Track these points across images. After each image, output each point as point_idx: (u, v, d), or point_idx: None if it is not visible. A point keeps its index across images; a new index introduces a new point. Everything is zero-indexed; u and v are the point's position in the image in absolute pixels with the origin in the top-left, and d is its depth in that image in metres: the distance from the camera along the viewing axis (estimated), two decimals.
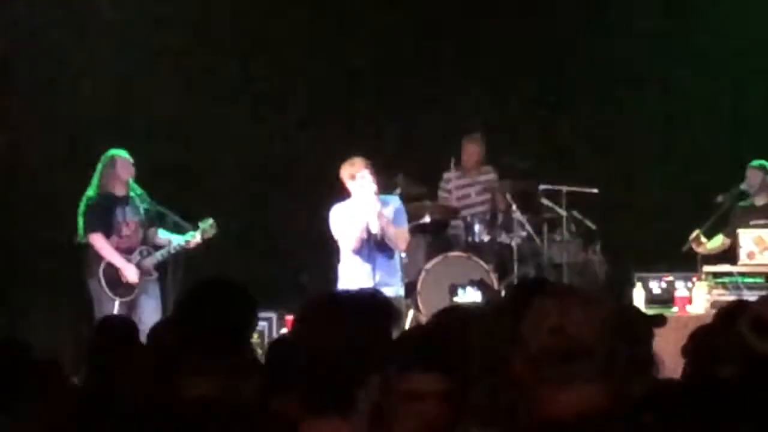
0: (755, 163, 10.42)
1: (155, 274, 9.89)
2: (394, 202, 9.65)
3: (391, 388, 2.86)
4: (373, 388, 2.70)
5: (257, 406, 3.14)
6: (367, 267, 9.37)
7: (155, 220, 9.98)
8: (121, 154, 9.86)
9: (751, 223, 10.20)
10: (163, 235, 9.99)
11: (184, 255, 9.90)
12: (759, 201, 10.36)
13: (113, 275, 9.77)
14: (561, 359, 2.72)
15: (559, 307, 2.79)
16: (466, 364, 3.12)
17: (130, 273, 9.75)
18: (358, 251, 9.39)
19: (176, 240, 9.88)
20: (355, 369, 2.70)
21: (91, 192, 9.82)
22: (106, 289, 9.73)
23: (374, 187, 9.28)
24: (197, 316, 3.52)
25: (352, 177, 9.30)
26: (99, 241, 9.76)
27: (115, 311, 9.52)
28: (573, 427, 2.68)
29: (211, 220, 9.88)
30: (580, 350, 2.73)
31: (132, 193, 9.87)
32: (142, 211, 9.91)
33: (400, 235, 9.50)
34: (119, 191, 9.84)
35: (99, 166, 9.83)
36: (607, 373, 2.73)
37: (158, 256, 9.87)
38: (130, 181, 9.85)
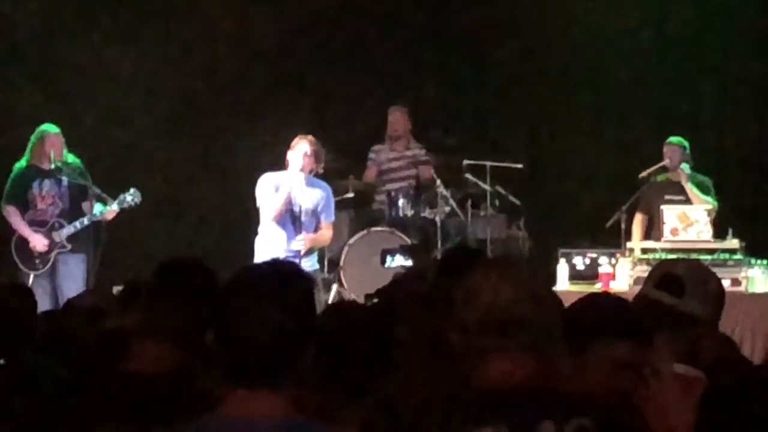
0: (673, 139, 10.48)
1: (68, 246, 9.75)
2: (325, 190, 9.53)
3: None
4: (304, 357, 2.71)
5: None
6: (284, 239, 9.29)
7: (87, 193, 9.84)
8: (51, 129, 9.86)
9: (666, 197, 10.25)
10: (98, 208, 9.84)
11: (105, 228, 9.76)
12: (675, 176, 10.40)
13: (24, 248, 9.76)
14: (495, 330, 2.76)
15: (492, 278, 2.83)
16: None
17: (37, 242, 9.70)
18: (280, 224, 9.31)
19: (94, 210, 9.76)
20: (290, 342, 2.69)
21: (18, 164, 9.91)
22: (18, 262, 9.76)
23: (301, 163, 9.19)
24: (160, 294, 3.64)
25: (292, 148, 9.25)
26: (10, 213, 9.83)
27: (30, 284, 9.39)
28: (505, 396, 2.72)
29: (132, 190, 9.79)
30: (513, 321, 2.76)
31: (57, 166, 9.75)
32: (65, 183, 9.80)
33: (325, 235, 9.45)
34: (45, 164, 9.81)
35: (31, 139, 9.87)
36: (539, 346, 2.77)
37: (71, 228, 9.75)
38: (65, 153, 9.80)
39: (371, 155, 11.69)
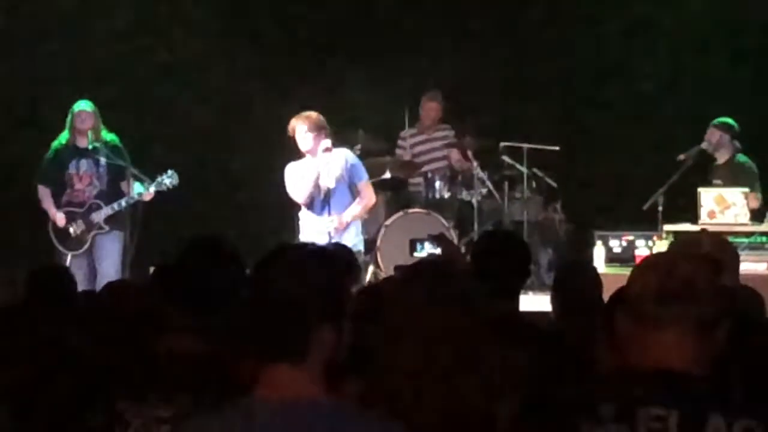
0: (716, 121, 10.39)
1: (106, 228, 9.74)
2: (343, 153, 9.54)
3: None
4: (328, 337, 2.67)
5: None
6: (318, 221, 9.34)
7: (125, 173, 9.80)
8: (82, 105, 9.77)
9: (714, 182, 10.19)
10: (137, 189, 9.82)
11: (142, 209, 9.79)
12: (720, 159, 10.35)
13: (61, 229, 9.74)
14: (665, 303, 2.73)
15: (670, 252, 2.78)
16: None
17: (58, 219, 9.70)
18: (312, 207, 9.36)
19: (133, 191, 9.76)
20: (310, 319, 2.66)
21: (56, 142, 9.83)
22: (55, 242, 9.76)
23: (308, 144, 9.23)
24: (184, 274, 3.63)
25: (293, 135, 9.27)
26: (41, 193, 9.81)
27: (68, 265, 9.45)
28: (676, 381, 2.69)
29: (170, 172, 9.75)
30: (686, 293, 2.73)
31: (95, 145, 9.72)
32: (103, 163, 9.77)
33: (363, 201, 9.46)
34: (81, 143, 9.75)
35: (68, 116, 9.80)
36: (705, 328, 2.74)
37: (108, 209, 9.73)
38: (103, 132, 9.76)
39: (402, 142, 11.66)
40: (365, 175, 9.66)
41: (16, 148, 11.24)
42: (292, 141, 9.34)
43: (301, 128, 9.26)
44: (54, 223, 9.75)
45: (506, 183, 11.21)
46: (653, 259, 2.83)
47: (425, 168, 11.46)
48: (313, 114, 9.34)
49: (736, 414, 2.64)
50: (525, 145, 11.06)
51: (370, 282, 10.05)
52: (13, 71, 11.72)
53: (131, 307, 4.32)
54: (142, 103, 11.80)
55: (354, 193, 9.55)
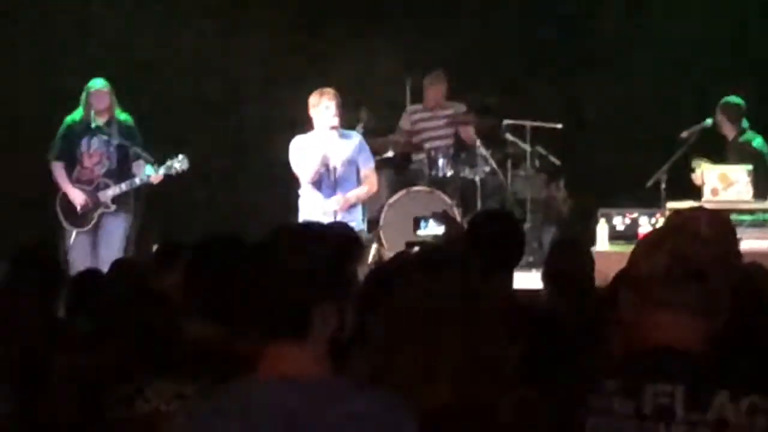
0: (722, 101, 10.42)
1: (112, 207, 9.74)
2: (356, 137, 9.55)
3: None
4: (330, 314, 2.67)
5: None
6: (322, 200, 9.32)
7: (137, 152, 9.79)
8: (97, 84, 9.78)
9: (728, 160, 10.25)
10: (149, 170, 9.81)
11: (146, 191, 9.79)
12: (730, 137, 10.39)
13: (68, 205, 9.75)
14: (673, 285, 2.72)
15: (678, 231, 2.82)
16: None
17: (76, 196, 9.68)
18: (316, 185, 9.33)
19: (143, 173, 9.74)
20: (312, 296, 2.66)
21: (70, 117, 9.82)
22: (62, 219, 9.75)
23: (335, 120, 9.19)
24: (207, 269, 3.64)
25: (315, 106, 9.22)
26: (55, 169, 9.81)
27: (72, 241, 9.49)
28: (682, 357, 2.69)
29: (181, 156, 9.73)
30: (695, 277, 2.72)
31: (98, 124, 9.71)
32: (114, 142, 9.76)
33: (367, 186, 9.45)
34: (94, 121, 9.72)
35: (82, 94, 9.79)
36: (712, 308, 2.73)
37: (116, 189, 9.72)
38: (116, 111, 9.77)
39: (407, 116, 11.61)
40: (372, 163, 9.64)
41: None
42: (306, 114, 9.28)
43: (327, 102, 9.18)
44: (62, 198, 9.75)
45: (509, 161, 11.21)
46: (656, 239, 2.82)
47: (427, 146, 11.44)
48: (337, 93, 9.31)
49: (742, 390, 2.65)
50: (528, 123, 11.06)
51: (375, 260, 10.07)
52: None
53: (136, 287, 4.33)
54: (142, 83, 11.78)
55: (359, 178, 9.51)
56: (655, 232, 2.97)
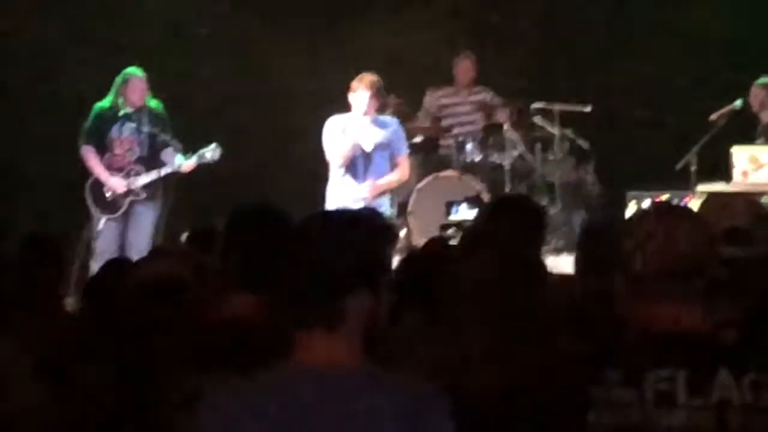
0: (758, 81, 10.34)
1: (143, 195, 9.72)
2: (392, 124, 9.48)
3: None
4: (365, 304, 2.66)
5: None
6: (353, 185, 9.26)
7: (166, 140, 9.79)
8: (135, 72, 9.77)
9: (757, 141, 10.17)
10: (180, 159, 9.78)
11: (177, 179, 9.79)
12: (764, 118, 10.32)
13: (99, 191, 9.71)
14: (666, 276, 2.74)
15: (670, 224, 2.81)
16: None
17: (115, 184, 9.65)
18: (348, 170, 9.27)
19: (175, 162, 9.75)
20: (346, 285, 2.65)
21: (100, 104, 9.78)
22: (91, 205, 9.71)
23: (365, 107, 9.13)
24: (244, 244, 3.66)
25: (353, 91, 9.17)
26: (87, 155, 9.75)
27: (100, 227, 9.48)
28: (683, 340, 2.70)
29: (213, 145, 9.73)
30: (687, 269, 2.74)
31: (127, 112, 9.70)
32: (146, 130, 9.74)
33: (399, 174, 9.40)
34: (126, 108, 9.71)
35: (116, 80, 9.76)
36: (707, 294, 2.76)
37: (146, 177, 9.71)
38: (148, 98, 9.74)
39: (434, 99, 11.59)
40: (406, 150, 9.56)
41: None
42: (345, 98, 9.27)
43: (364, 89, 9.11)
44: (93, 184, 9.71)
45: (538, 145, 11.18)
46: (650, 228, 2.80)
47: (456, 131, 11.42)
48: (379, 80, 9.28)
49: (744, 368, 2.66)
50: (557, 106, 11.02)
51: (404, 246, 10.04)
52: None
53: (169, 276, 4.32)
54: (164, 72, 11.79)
55: (392, 165, 9.44)
56: (639, 215, 2.97)
